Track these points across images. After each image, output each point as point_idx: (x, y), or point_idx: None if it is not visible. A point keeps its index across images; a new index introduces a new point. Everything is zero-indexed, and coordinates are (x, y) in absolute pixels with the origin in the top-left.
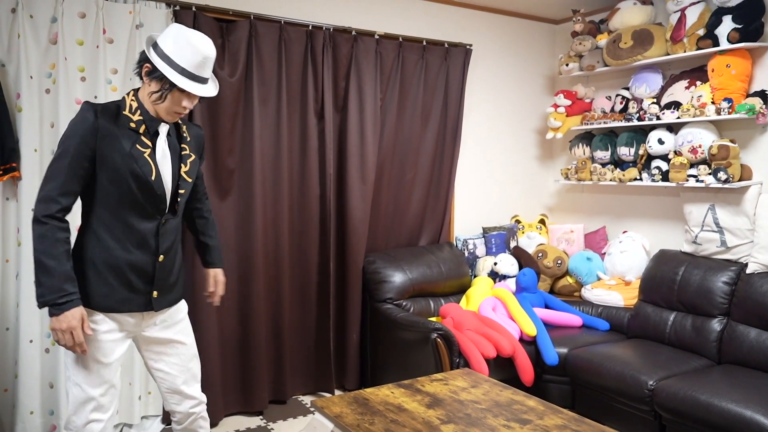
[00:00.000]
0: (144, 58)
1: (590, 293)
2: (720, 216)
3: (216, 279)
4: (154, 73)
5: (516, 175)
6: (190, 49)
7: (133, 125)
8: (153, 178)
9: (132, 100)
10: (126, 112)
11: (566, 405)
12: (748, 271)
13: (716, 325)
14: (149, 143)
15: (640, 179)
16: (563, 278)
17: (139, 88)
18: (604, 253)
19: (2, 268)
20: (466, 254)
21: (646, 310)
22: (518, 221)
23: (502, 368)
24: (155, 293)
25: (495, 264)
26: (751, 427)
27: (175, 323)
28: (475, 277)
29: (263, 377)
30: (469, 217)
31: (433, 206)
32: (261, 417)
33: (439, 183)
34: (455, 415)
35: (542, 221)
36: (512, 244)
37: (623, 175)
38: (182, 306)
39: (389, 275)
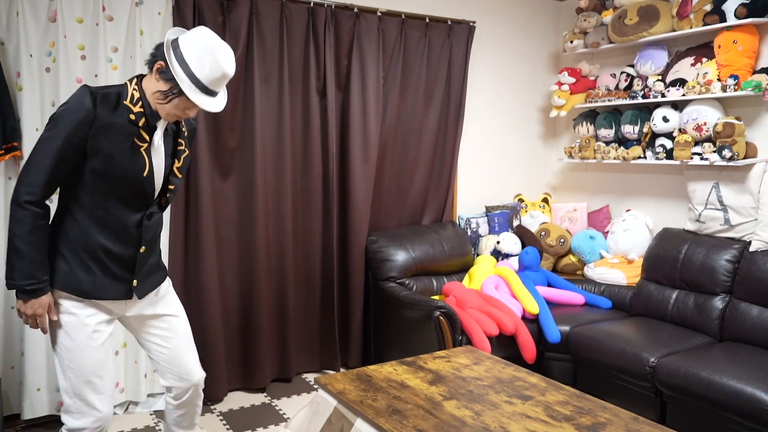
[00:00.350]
0: (159, 54)
1: (593, 272)
2: (724, 194)
3: None
4: (166, 74)
5: (519, 153)
6: (212, 65)
7: (132, 117)
8: (145, 174)
9: (134, 89)
10: (127, 102)
11: (568, 382)
12: (752, 249)
13: (718, 302)
14: (146, 137)
15: (644, 157)
16: (566, 257)
17: (143, 76)
18: (607, 232)
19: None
20: (469, 233)
21: (649, 288)
22: (521, 200)
23: (505, 346)
24: (135, 282)
25: (498, 243)
26: (751, 403)
27: (160, 299)
28: (477, 255)
29: (265, 355)
30: (472, 195)
31: (436, 185)
32: (265, 394)
33: (442, 162)
34: (457, 391)
35: (545, 200)
36: (515, 223)
37: (627, 154)
38: (165, 283)
39: (392, 254)
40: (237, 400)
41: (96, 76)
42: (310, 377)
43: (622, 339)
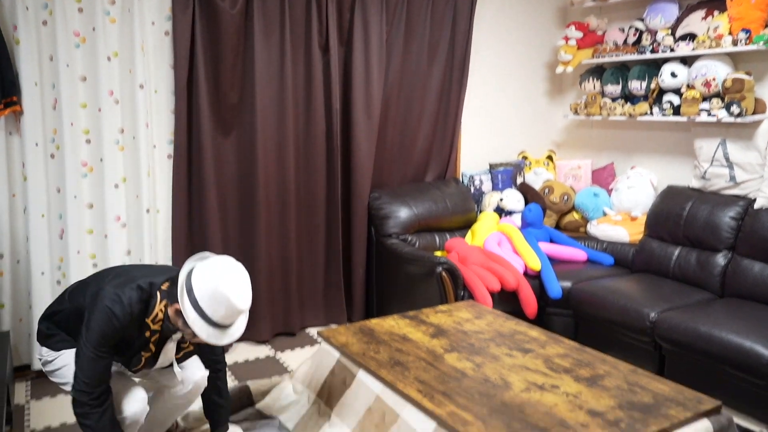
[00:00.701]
0: (174, 296)
1: (596, 229)
2: (730, 151)
3: None
4: (183, 318)
5: (524, 110)
6: (227, 307)
7: (147, 334)
8: (138, 369)
9: (160, 310)
10: (149, 320)
11: (568, 337)
12: (756, 206)
13: (721, 259)
14: (153, 348)
15: (651, 114)
16: (569, 214)
17: (168, 297)
18: (611, 189)
19: (10, 203)
20: (472, 190)
21: (652, 245)
22: (525, 157)
23: (506, 302)
24: None
25: (501, 200)
26: (750, 357)
27: None
28: (480, 212)
29: (268, 309)
30: (475, 152)
31: (440, 142)
32: (269, 347)
33: (445, 118)
34: (459, 344)
35: (550, 157)
36: (519, 180)
37: (633, 110)
38: None
39: (395, 210)
40: (243, 352)
41: (93, 29)
42: (314, 331)
43: (623, 295)
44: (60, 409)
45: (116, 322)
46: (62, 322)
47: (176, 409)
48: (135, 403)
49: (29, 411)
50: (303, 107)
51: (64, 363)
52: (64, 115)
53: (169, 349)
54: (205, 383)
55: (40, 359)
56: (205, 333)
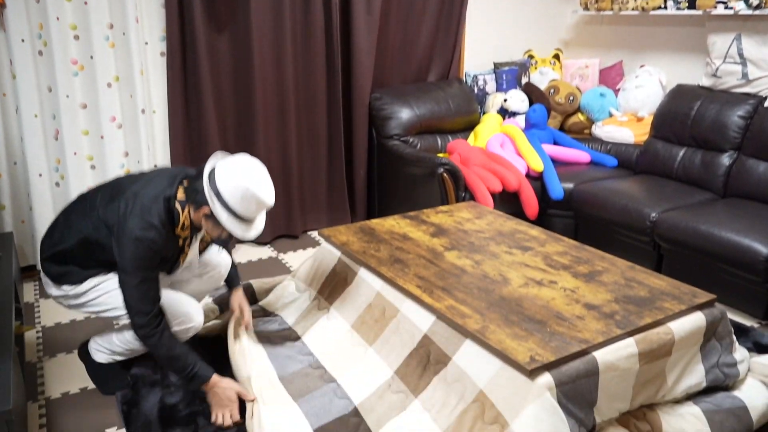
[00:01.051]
0: (202, 199)
1: (601, 130)
2: (745, 46)
3: (240, 304)
4: (214, 219)
5: (531, 6)
6: (257, 204)
7: (180, 243)
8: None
9: (186, 217)
10: (179, 230)
11: (569, 237)
12: (767, 104)
13: (726, 159)
14: (187, 251)
15: (665, 8)
16: (574, 115)
17: (190, 203)
18: (619, 89)
19: (1, 103)
20: (476, 90)
21: (656, 146)
22: (531, 56)
23: (508, 203)
24: None
25: (505, 100)
26: (747, 254)
27: None
28: (484, 114)
29: (267, 212)
30: (480, 51)
31: (443, 40)
32: (271, 248)
33: (449, 15)
34: (459, 243)
35: (556, 56)
36: (524, 80)
37: (647, 3)
38: None
39: (396, 111)
40: (244, 254)
41: None
42: (316, 234)
43: (624, 195)
44: None
45: (155, 246)
46: (69, 258)
47: (208, 288)
48: (197, 313)
49: (39, 309)
50: (300, 0)
51: (99, 291)
52: (49, 9)
53: (195, 247)
54: (230, 260)
55: (64, 297)
56: (238, 230)
